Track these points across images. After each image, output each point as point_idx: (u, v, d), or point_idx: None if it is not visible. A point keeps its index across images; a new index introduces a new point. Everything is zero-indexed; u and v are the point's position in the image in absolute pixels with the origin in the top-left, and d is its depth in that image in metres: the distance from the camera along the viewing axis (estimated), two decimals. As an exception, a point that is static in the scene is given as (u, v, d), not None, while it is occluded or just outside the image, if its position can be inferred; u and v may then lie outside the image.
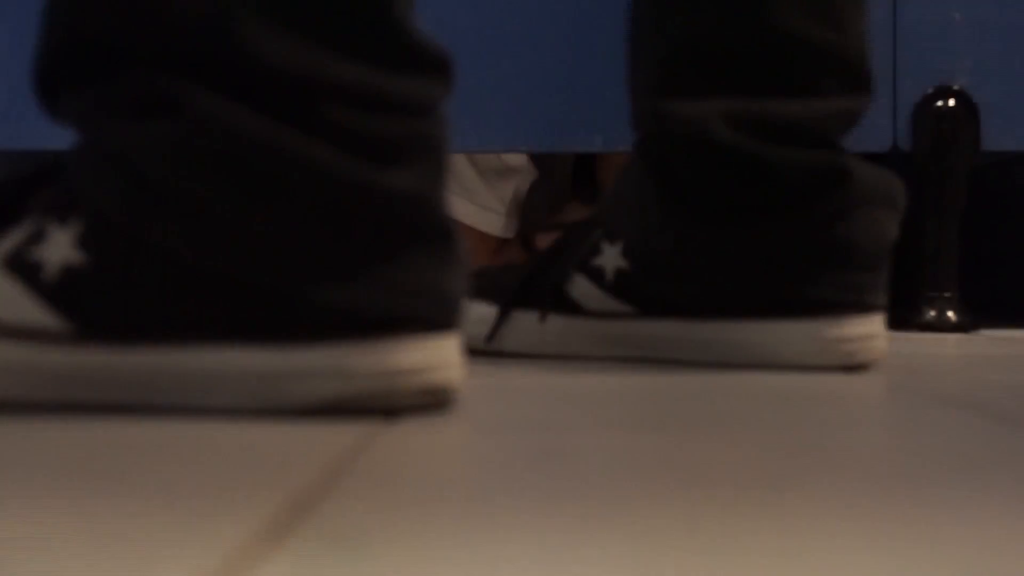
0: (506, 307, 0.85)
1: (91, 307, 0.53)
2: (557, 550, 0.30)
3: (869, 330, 0.78)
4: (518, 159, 1.23)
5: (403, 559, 0.29)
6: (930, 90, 1.17)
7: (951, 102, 1.17)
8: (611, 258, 0.81)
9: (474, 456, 0.45)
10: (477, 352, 0.86)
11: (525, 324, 0.84)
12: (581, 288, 0.83)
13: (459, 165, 1.22)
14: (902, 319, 1.19)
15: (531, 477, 0.40)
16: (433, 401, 0.55)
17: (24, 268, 0.53)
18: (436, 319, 0.55)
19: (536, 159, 1.27)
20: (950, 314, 1.18)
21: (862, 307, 0.78)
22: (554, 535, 0.32)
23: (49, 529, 0.32)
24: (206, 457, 0.43)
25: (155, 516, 0.33)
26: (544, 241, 1.24)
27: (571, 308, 0.83)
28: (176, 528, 0.32)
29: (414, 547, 0.30)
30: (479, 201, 1.22)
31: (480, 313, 0.86)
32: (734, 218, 0.77)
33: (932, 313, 1.18)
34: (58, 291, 0.53)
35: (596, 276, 0.82)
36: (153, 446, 0.46)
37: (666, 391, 0.66)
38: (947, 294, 1.18)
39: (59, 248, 0.53)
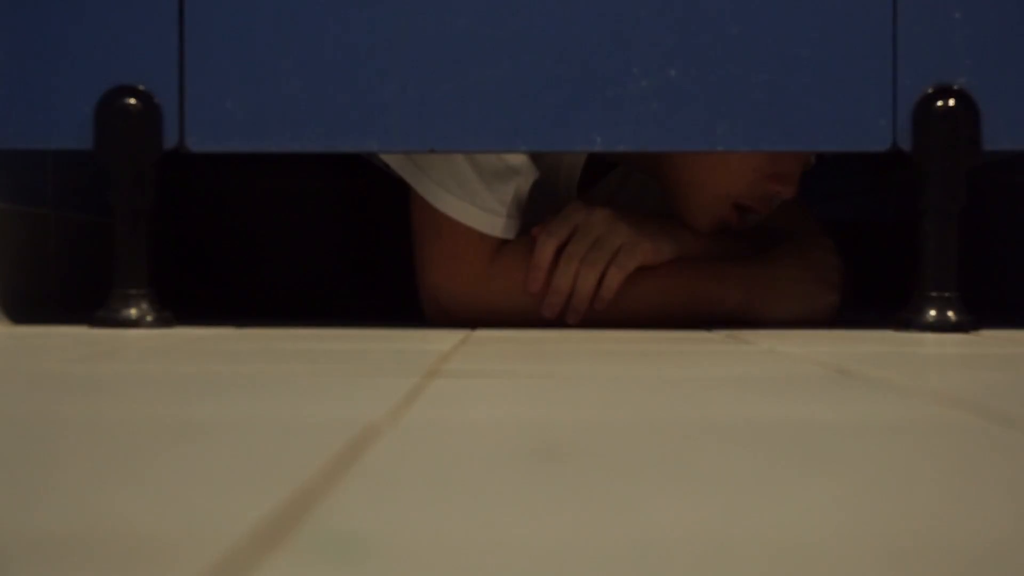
0: None
1: None
2: (560, 551, 0.30)
3: None
4: (519, 159, 1.23)
5: (404, 559, 0.29)
6: (930, 90, 1.17)
7: (951, 102, 1.17)
8: None
9: (475, 455, 0.45)
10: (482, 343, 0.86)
11: None
12: None
13: (459, 166, 1.22)
14: (902, 319, 1.19)
15: (534, 476, 0.40)
16: None
17: None
18: None
19: (537, 159, 1.26)
20: (950, 314, 1.18)
21: None
22: (556, 536, 0.32)
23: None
24: (205, 457, 0.43)
25: (154, 515, 0.33)
26: (547, 244, 1.24)
27: None
28: (174, 529, 0.32)
29: (415, 547, 0.30)
30: (479, 202, 1.22)
31: None
32: None
33: (932, 313, 1.18)
34: None
35: None
36: (155, 443, 0.46)
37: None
38: (947, 294, 1.18)
39: None
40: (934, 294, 1.18)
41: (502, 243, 1.26)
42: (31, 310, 1.30)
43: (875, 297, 1.70)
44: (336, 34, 1.17)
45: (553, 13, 1.17)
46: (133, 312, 1.17)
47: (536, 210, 1.28)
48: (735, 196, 1.26)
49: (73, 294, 1.41)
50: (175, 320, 1.18)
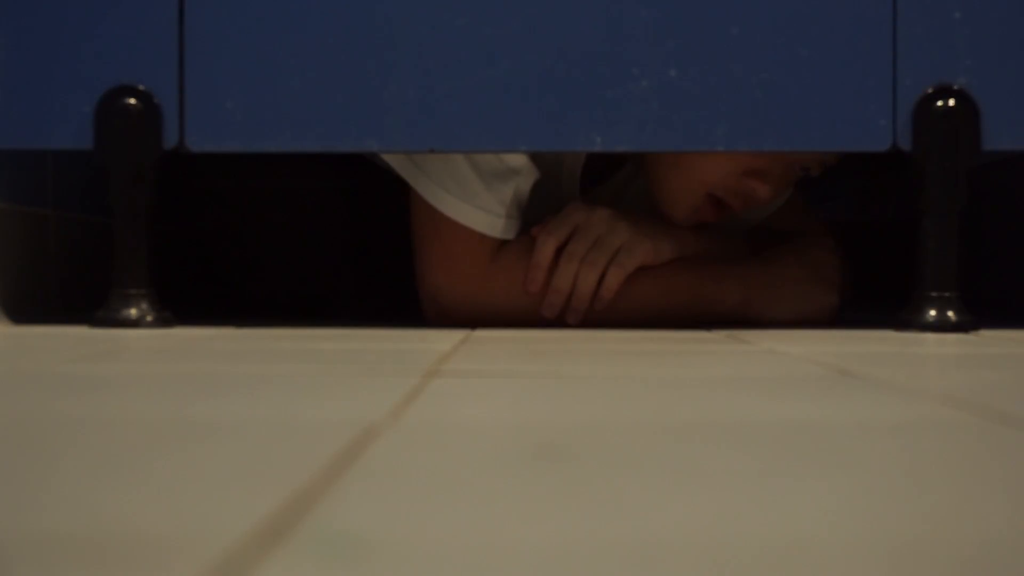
0: None
1: None
2: (560, 551, 0.30)
3: None
4: (519, 160, 1.23)
5: (404, 559, 0.29)
6: (930, 90, 1.17)
7: (951, 102, 1.17)
8: None
9: (475, 455, 0.45)
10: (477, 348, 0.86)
11: None
12: None
13: (459, 167, 1.22)
14: (902, 319, 1.19)
15: (533, 475, 0.40)
16: None
17: None
18: None
19: (538, 159, 1.27)
20: (950, 314, 1.18)
21: None
22: (556, 535, 0.32)
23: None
24: (205, 457, 0.43)
25: (154, 514, 0.33)
26: (547, 243, 1.24)
27: None
28: (174, 529, 0.32)
29: (415, 547, 0.30)
30: (478, 203, 1.22)
31: None
32: None
33: (932, 313, 1.18)
34: None
35: None
36: (155, 443, 0.46)
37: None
38: (947, 294, 1.18)
39: None
40: (934, 294, 1.18)
41: (502, 243, 1.26)
42: (31, 310, 1.30)
43: (875, 297, 1.70)
44: (336, 34, 1.17)
45: (553, 13, 1.17)
46: (133, 312, 1.17)
47: (539, 208, 1.29)
48: (710, 185, 1.26)
49: (73, 294, 1.41)
50: (175, 320, 1.18)
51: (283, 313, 1.38)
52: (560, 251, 1.25)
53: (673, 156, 1.25)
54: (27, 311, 1.29)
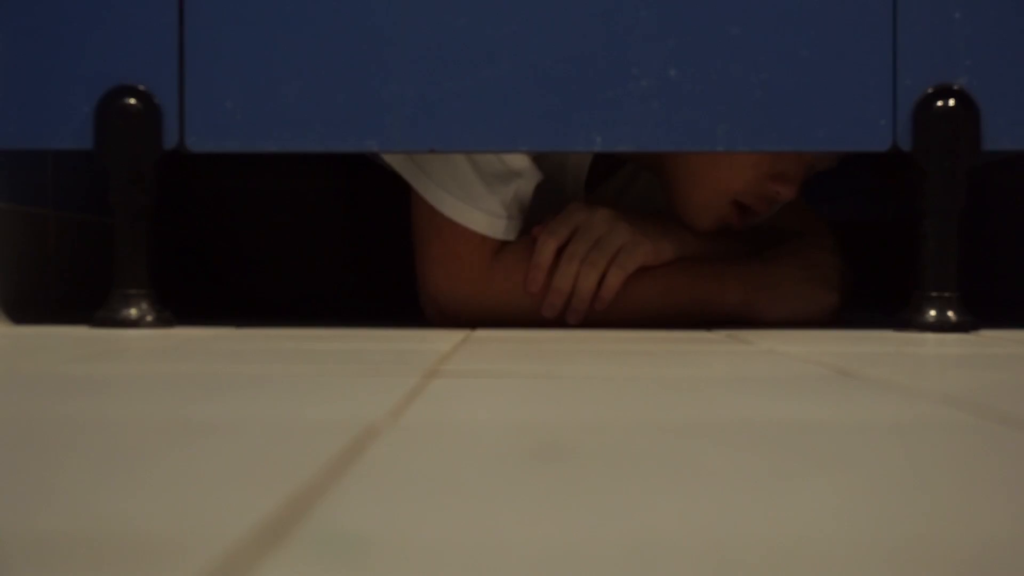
0: None
1: None
2: (560, 551, 0.30)
3: None
4: (521, 162, 1.23)
5: (404, 559, 0.29)
6: (930, 90, 1.17)
7: (951, 102, 1.17)
8: None
9: (475, 455, 0.45)
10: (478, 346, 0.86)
11: None
12: None
13: (460, 168, 1.22)
14: (902, 319, 1.19)
15: (533, 475, 0.40)
16: None
17: None
18: None
19: (542, 159, 1.27)
20: (950, 314, 1.18)
21: None
22: (556, 536, 0.32)
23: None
24: (205, 457, 0.43)
25: (154, 514, 0.33)
26: (548, 244, 1.24)
27: None
28: (175, 529, 0.32)
29: (415, 547, 0.30)
30: (480, 204, 1.22)
31: None
32: None
33: (932, 313, 1.18)
34: None
35: None
36: (155, 443, 0.46)
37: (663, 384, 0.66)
38: (947, 294, 1.18)
39: None
40: (934, 294, 1.18)
41: (503, 244, 1.26)
42: (31, 310, 1.30)
43: (875, 297, 1.70)
44: (336, 34, 1.17)
45: (553, 13, 1.17)
46: (133, 312, 1.17)
47: (543, 210, 1.29)
48: (734, 194, 1.26)
49: (73, 294, 1.41)
50: (175, 320, 1.18)
51: (283, 313, 1.38)
52: (561, 251, 1.25)
53: (695, 169, 1.25)
54: (27, 311, 1.29)
